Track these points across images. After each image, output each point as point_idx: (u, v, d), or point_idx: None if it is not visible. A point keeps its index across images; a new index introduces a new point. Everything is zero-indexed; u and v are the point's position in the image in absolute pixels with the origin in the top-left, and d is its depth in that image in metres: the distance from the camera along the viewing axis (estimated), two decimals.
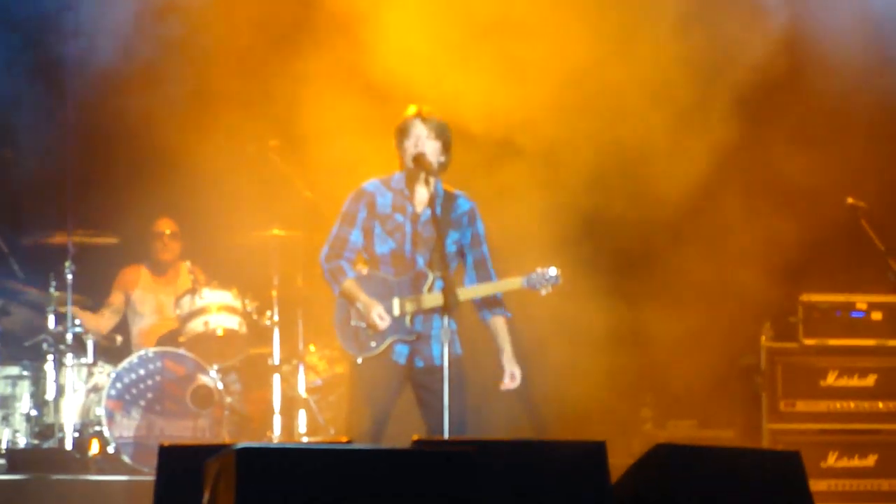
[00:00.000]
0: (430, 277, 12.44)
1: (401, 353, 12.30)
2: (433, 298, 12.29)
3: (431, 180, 12.57)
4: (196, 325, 15.67)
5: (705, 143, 16.60)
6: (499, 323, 12.82)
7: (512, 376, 12.96)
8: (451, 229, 12.58)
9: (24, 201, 16.71)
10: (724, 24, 17.25)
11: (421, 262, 12.47)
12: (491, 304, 12.84)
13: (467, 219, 12.68)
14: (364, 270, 12.69)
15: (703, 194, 16.71)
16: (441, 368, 12.48)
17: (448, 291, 12.17)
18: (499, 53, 16.42)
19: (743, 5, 17.52)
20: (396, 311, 12.35)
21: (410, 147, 12.44)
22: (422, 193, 12.48)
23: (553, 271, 12.88)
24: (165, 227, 16.87)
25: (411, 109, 12.77)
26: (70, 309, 15.52)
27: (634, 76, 16.53)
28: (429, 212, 12.50)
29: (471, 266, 12.62)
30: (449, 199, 12.61)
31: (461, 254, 12.65)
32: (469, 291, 12.57)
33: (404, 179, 12.51)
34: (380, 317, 12.24)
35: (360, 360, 12.44)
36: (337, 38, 16.35)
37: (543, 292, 12.73)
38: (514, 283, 12.76)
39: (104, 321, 16.54)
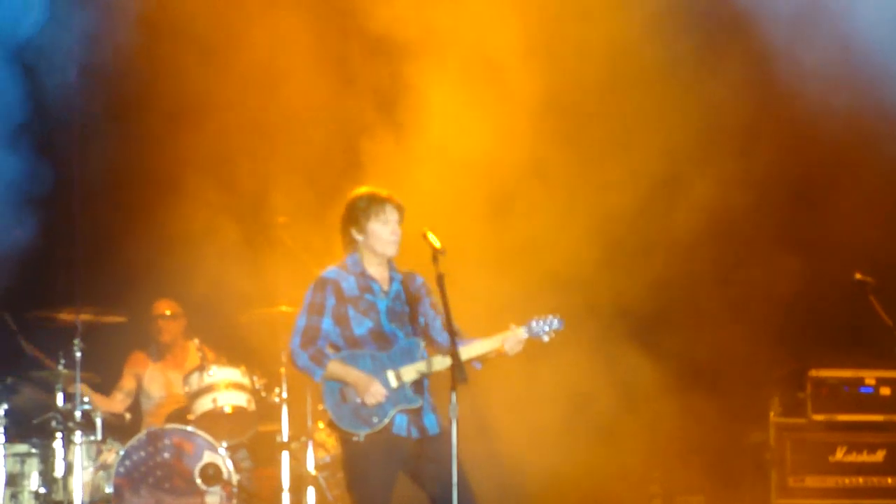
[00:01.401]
0: (421, 345, 12.18)
1: (400, 425, 12.00)
2: (441, 362, 11.97)
3: (387, 261, 12.46)
4: (205, 403, 15.39)
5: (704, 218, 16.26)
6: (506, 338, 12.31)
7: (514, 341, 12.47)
8: (418, 302, 12.44)
9: (33, 278, 16.07)
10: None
11: (401, 335, 12.21)
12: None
13: (425, 290, 12.52)
14: (345, 352, 12.36)
15: (710, 268, 16.66)
16: (436, 438, 12.23)
17: (455, 358, 11.74)
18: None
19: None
20: (394, 384, 12.05)
21: (385, 232, 12.28)
22: (379, 272, 12.38)
23: (555, 318, 12.40)
24: (165, 308, 16.83)
25: (383, 192, 12.50)
26: (79, 387, 15.04)
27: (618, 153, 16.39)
28: (397, 287, 12.44)
29: (439, 330, 12.36)
30: (407, 275, 12.51)
31: (426, 324, 12.42)
32: (469, 350, 12.13)
33: (361, 261, 12.40)
34: (376, 392, 11.99)
35: (362, 438, 12.07)
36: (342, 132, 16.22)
37: (546, 339, 12.33)
38: (514, 334, 12.27)
39: (116, 404, 16.34)
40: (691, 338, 16.25)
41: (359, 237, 12.38)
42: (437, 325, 12.65)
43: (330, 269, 12.74)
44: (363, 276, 12.43)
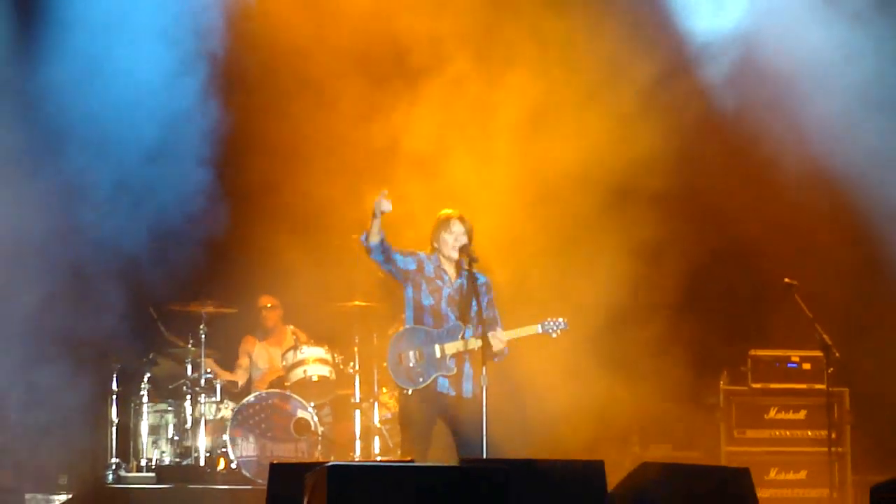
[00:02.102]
0: (462, 328, 13.17)
1: (442, 384, 13.17)
2: (475, 343, 12.95)
3: (464, 260, 13.27)
4: (297, 373, 16.09)
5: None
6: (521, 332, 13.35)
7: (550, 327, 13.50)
8: (474, 296, 13.26)
9: (170, 278, 16.15)
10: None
11: (452, 317, 13.24)
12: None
13: (485, 288, 13.42)
14: (409, 326, 13.42)
15: (682, 275, 16.48)
16: (469, 400, 13.32)
17: (485, 341, 12.79)
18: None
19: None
20: (438, 354, 13.13)
21: (451, 239, 13.26)
22: (451, 270, 13.32)
23: (563, 320, 13.46)
24: (267, 301, 17.23)
25: (453, 212, 13.43)
26: (203, 361, 16.10)
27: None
28: (460, 282, 13.39)
29: (492, 320, 13.33)
30: (471, 276, 13.28)
31: (479, 313, 13.23)
32: (502, 337, 13.23)
33: (438, 259, 13.35)
34: (418, 360, 13.20)
35: (410, 392, 13.23)
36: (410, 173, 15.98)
37: (554, 335, 13.37)
38: (532, 329, 13.34)
39: (237, 376, 16.92)
40: (664, 326, 16.18)
41: (436, 245, 13.41)
42: (487, 315, 13.44)
43: (422, 252, 13.73)
44: (439, 268, 13.44)
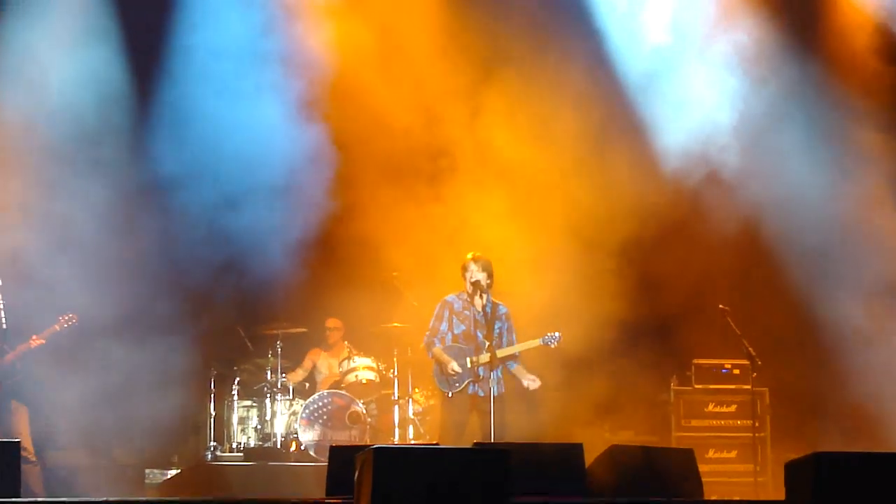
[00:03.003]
0: (486, 345, 13.56)
1: (473, 388, 13.61)
2: (485, 357, 13.47)
3: (483, 294, 13.71)
4: (351, 377, 16.36)
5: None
6: (516, 368, 13.85)
7: (533, 380, 13.83)
8: (496, 321, 13.79)
9: (256, 305, 16.76)
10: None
11: (480, 336, 13.68)
12: (512, 359, 13.89)
13: (504, 316, 13.91)
14: (448, 345, 13.83)
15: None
16: (495, 398, 13.54)
17: (492, 352, 13.50)
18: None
19: None
20: (468, 365, 13.59)
21: (469, 277, 13.76)
22: (477, 302, 13.70)
23: (558, 334, 13.87)
24: (332, 323, 17.08)
25: (469, 255, 13.85)
26: (280, 368, 16.44)
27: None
28: (484, 308, 13.74)
29: (504, 342, 13.82)
30: (494, 305, 13.81)
31: (500, 334, 13.81)
32: (506, 350, 13.79)
33: (466, 294, 13.78)
34: (453, 369, 13.59)
35: (450, 395, 13.74)
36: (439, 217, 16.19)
37: (553, 346, 13.80)
38: (534, 343, 13.82)
39: (298, 377, 16.87)
40: (630, 341, 16.36)
41: (464, 281, 13.85)
42: (505, 337, 14.01)
43: (450, 296, 14.15)
44: (466, 301, 13.86)
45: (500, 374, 13.93)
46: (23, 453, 12.71)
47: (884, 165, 16.79)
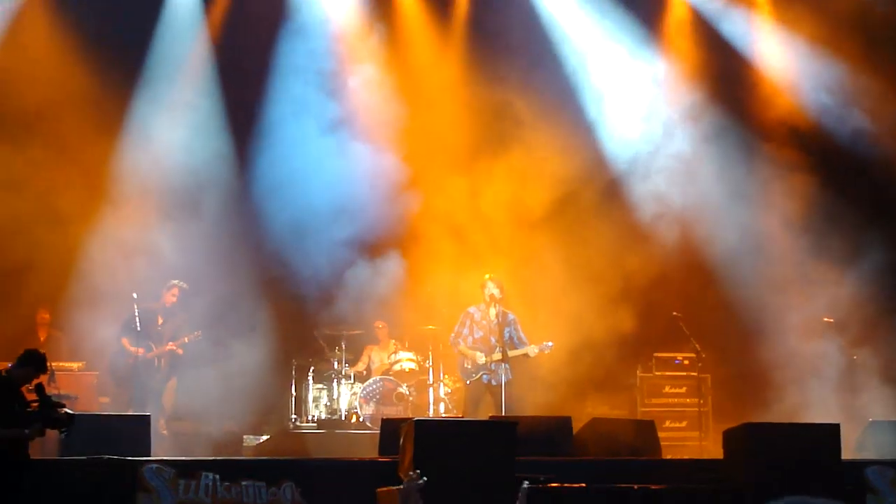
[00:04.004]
0: (498, 347, 13.74)
1: (487, 378, 13.76)
2: (498, 355, 13.65)
3: (497, 306, 13.86)
4: (397, 367, 16.08)
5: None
6: (535, 353, 14.03)
7: (546, 347, 14.10)
8: (506, 327, 13.88)
9: (327, 312, 16.19)
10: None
11: (493, 340, 13.78)
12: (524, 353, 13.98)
13: (513, 322, 14.00)
14: (469, 343, 13.99)
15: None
16: (500, 386, 13.95)
17: (504, 351, 13.69)
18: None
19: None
20: (483, 361, 13.75)
21: (486, 293, 13.88)
22: (491, 312, 13.80)
23: (551, 343, 14.20)
24: (380, 324, 16.55)
25: (486, 275, 14.05)
26: (343, 360, 16.19)
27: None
28: (497, 317, 13.85)
29: (515, 342, 13.93)
30: (504, 314, 13.93)
31: (510, 337, 13.92)
32: (513, 353, 13.88)
33: (485, 306, 13.86)
34: (476, 359, 13.76)
35: (469, 382, 13.95)
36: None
37: (547, 352, 14.06)
38: (533, 349, 13.98)
39: (359, 368, 16.39)
40: (608, 338, 15.72)
41: (482, 295, 13.86)
42: (516, 339, 14.12)
43: (471, 307, 14.24)
44: (484, 312, 13.82)
45: (508, 366, 14.06)
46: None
47: (781, 195, 16.68)
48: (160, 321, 15.17)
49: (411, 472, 9.86)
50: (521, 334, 14.34)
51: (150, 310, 15.17)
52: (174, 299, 15.25)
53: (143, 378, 14.99)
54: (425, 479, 9.17)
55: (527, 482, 10.69)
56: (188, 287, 15.36)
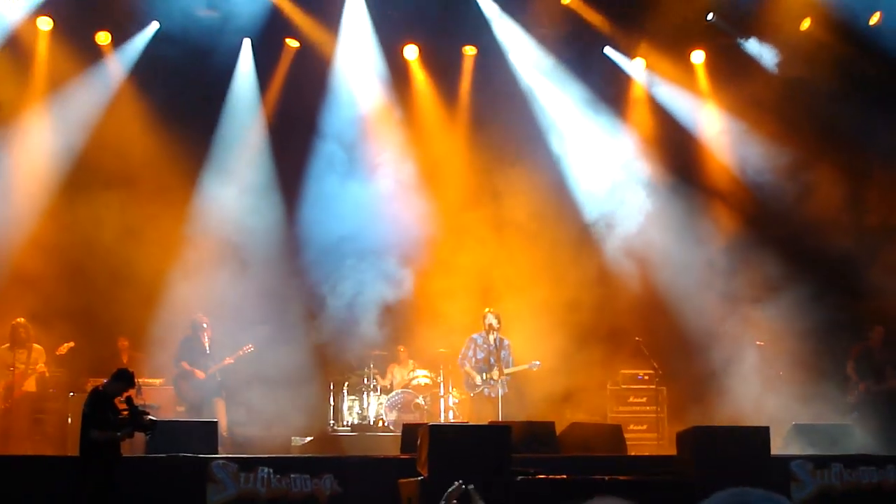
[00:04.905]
0: (496, 366, 13.78)
1: (487, 392, 13.75)
2: (496, 374, 13.70)
3: (494, 333, 13.91)
4: (415, 382, 15.79)
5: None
6: (524, 368, 13.90)
7: (535, 364, 14.17)
8: (503, 350, 13.93)
9: (357, 338, 15.73)
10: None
11: (492, 360, 13.81)
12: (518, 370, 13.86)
13: (507, 347, 14.04)
14: (472, 364, 14.06)
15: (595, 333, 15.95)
16: (501, 398, 13.86)
17: (500, 370, 13.69)
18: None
19: None
20: (482, 380, 13.83)
21: (486, 323, 13.87)
22: (490, 338, 13.83)
23: (539, 362, 14.22)
24: (401, 347, 16.28)
25: (486, 309, 14.07)
26: (372, 376, 15.77)
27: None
28: (495, 343, 13.88)
29: (509, 363, 13.97)
30: (500, 340, 13.95)
31: (505, 359, 13.96)
32: (512, 370, 13.98)
33: (485, 333, 13.89)
34: (475, 382, 13.82)
35: (472, 395, 13.98)
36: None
37: (535, 370, 14.12)
38: (524, 366, 14.12)
39: (384, 383, 15.98)
40: (583, 359, 15.52)
41: (483, 324, 13.87)
42: (509, 359, 14.03)
43: (476, 334, 14.37)
44: (485, 338, 13.83)
45: (504, 381, 14.12)
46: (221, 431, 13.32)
47: (719, 238, 16.71)
48: (207, 344, 15.05)
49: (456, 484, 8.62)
50: (511, 357, 14.42)
51: (198, 336, 14.97)
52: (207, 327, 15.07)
53: (205, 392, 14.92)
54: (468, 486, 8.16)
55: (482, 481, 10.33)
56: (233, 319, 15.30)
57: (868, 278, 15.32)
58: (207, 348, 14.93)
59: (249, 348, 14.81)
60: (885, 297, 15.13)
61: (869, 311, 15.32)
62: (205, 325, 14.84)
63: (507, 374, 14.34)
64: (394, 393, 15.78)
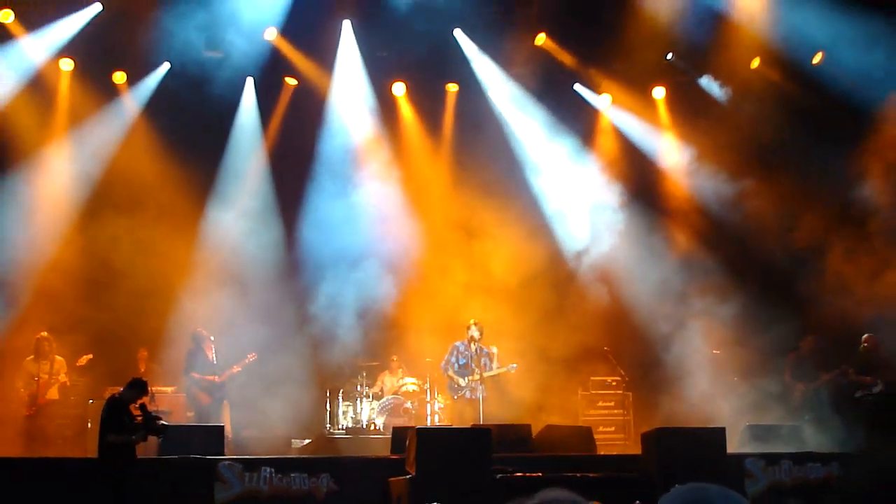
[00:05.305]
0: (477, 371, 13.76)
1: (469, 395, 13.69)
2: (476, 377, 13.60)
3: (476, 342, 13.84)
4: (404, 388, 15.55)
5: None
6: (505, 371, 13.96)
7: (512, 366, 14.13)
8: (483, 357, 13.86)
9: (350, 349, 15.65)
10: None
11: (473, 366, 13.70)
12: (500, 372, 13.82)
13: (487, 354, 13.91)
14: (455, 369, 14.02)
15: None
16: (479, 400, 13.80)
17: (480, 374, 13.64)
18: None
19: None
20: (465, 382, 13.75)
21: (469, 333, 13.78)
22: (472, 347, 13.70)
23: (515, 365, 14.18)
24: (393, 357, 15.92)
25: (470, 320, 13.98)
26: (365, 385, 15.62)
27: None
28: (476, 350, 13.80)
29: (489, 368, 13.92)
30: (481, 348, 13.87)
31: (485, 364, 13.88)
32: (490, 373, 13.93)
33: (467, 342, 13.84)
34: (459, 384, 13.70)
35: (455, 398, 13.87)
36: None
37: (512, 372, 14.08)
38: (504, 369, 14.06)
39: (375, 388, 15.64)
40: (558, 367, 15.59)
41: (466, 333, 13.83)
42: (489, 365, 13.93)
43: (457, 342, 14.31)
44: (467, 346, 13.72)
45: (483, 386, 14.09)
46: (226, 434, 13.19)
47: (677, 256, 16.63)
48: (211, 356, 14.90)
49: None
50: (495, 363, 14.34)
51: (201, 348, 14.78)
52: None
53: (216, 399, 14.79)
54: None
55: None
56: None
57: (803, 291, 15.31)
58: (214, 359, 14.76)
59: (253, 357, 14.67)
60: (819, 308, 15.23)
61: (808, 321, 15.34)
62: (209, 338, 14.74)
63: (488, 376, 14.26)
64: (384, 399, 15.61)
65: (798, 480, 11.97)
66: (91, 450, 11.15)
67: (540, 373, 15.39)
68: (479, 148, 16.54)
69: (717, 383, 15.03)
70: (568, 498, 3.90)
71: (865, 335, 14.59)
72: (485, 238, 16.06)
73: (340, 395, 15.77)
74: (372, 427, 15.24)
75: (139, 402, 10.33)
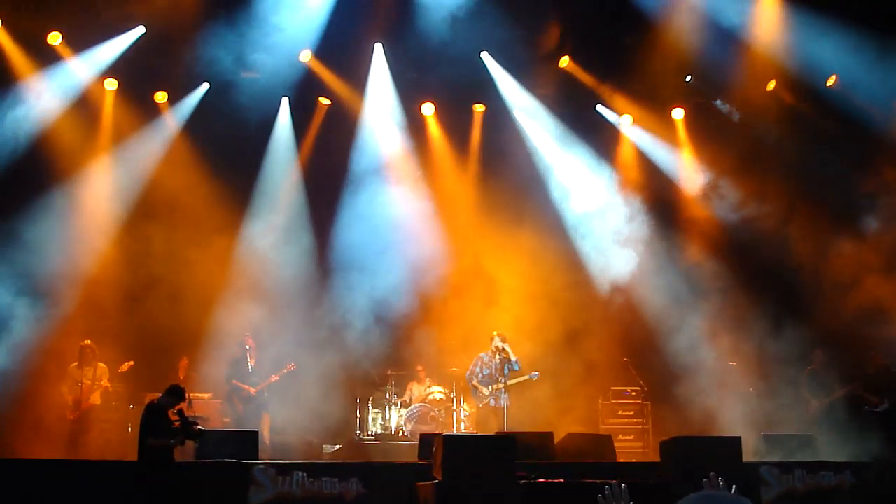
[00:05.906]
0: (501, 380, 13.72)
1: (492, 403, 13.62)
2: (499, 385, 13.56)
3: (499, 353, 13.75)
4: (431, 397, 15.57)
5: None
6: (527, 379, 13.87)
7: (531, 377, 14.00)
8: (507, 365, 13.86)
9: (379, 359, 15.80)
10: None
11: (497, 376, 13.63)
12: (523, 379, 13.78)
13: (515, 364, 13.84)
14: (479, 379, 13.91)
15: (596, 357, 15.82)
16: (502, 408, 13.76)
17: (505, 383, 13.61)
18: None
19: None
20: (490, 391, 13.68)
21: (493, 344, 13.72)
22: (496, 356, 13.65)
23: (537, 374, 14.13)
24: (420, 367, 15.90)
25: (494, 332, 13.90)
26: (394, 393, 15.61)
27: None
28: (500, 359, 13.74)
29: (510, 373, 13.83)
30: (505, 356, 13.98)
31: (509, 373, 13.82)
32: (514, 381, 13.86)
33: (491, 352, 13.79)
34: (483, 393, 13.61)
35: (480, 406, 13.80)
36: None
37: (534, 380, 13.99)
38: (525, 377, 13.98)
39: (404, 398, 15.67)
40: (579, 378, 15.36)
41: (491, 346, 13.76)
42: (509, 371, 13.77)
43: (482, 353, 14.29)
44: (492, 356, 13.68)
45: (507, 395, 14.07)
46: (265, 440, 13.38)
47: (696, 270, 16.56)
48: (251, 364, 14.86)
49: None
50: (512, 357, 14.27)
51: (245, 356, 14.80)
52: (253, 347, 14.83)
53: (254, 406, 14.84)
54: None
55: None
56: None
57: (816, 305, 15.22)
58: (252, 367, 14.83)
59: (292, 367, 14.76)
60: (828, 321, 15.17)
61: (818, 334, 15.20)
62: (249, 347, 14.79)
63: (512, 384, 14.32)
64: (412, 406, 15.61)
65: (811, 487, 11.96)
66: (131, 453, 11.13)
67: (563, 383, 15.35)
68: (505, 164, 16.58)
69: (733, 394, 14.98)
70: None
71: (874, 352, 14.53)
72: (508, 252, 15.98)
73: (370, 402, 15.72)
74: (400, 434, 15.18)
75: (177, 407, 10.38)
